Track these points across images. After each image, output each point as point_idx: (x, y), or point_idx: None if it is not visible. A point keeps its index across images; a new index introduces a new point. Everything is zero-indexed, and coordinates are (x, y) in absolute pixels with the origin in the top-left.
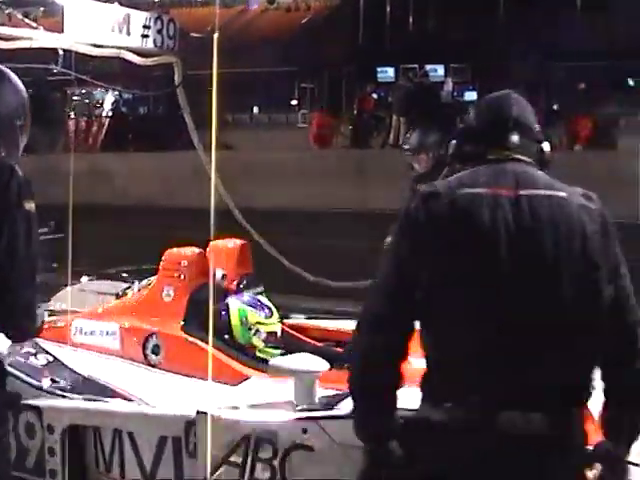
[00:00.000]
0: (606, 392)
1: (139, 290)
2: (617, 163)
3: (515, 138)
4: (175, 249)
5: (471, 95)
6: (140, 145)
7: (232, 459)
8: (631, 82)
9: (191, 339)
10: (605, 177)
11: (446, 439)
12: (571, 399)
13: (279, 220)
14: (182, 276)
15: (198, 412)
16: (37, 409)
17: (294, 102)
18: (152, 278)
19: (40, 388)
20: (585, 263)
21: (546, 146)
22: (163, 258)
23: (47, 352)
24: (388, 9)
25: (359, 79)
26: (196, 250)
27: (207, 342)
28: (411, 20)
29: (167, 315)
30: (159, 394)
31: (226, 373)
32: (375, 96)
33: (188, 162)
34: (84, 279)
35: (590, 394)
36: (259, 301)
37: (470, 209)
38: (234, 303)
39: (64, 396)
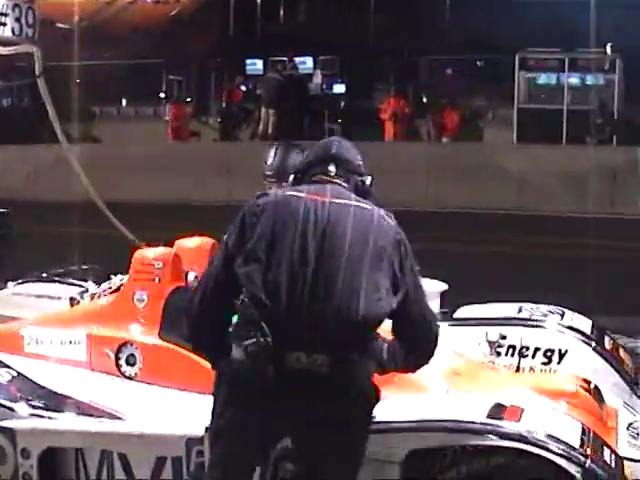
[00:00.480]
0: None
1: (99, 295)
2: (483, 155)
3: (332, 168)
4: (145, 249)
5: (340, 88)
6: (4, 137)
7: None
8: (479, 63)
9: (174, 347)
10: (472, 168)
11: (243, 372)
12: (352, 348)
13: (147, 213)
14: (156, 279)
15: (208, 429)
16: (9, 431)
17: (162, 95)
18: (113, 280)
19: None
20: (372, 254)
21: (367, 179)
22: (133, 259)
23: (7, 366)
24: (259, 1)
25: (228, 71)
26: (168, 250)
27: (189, 350)
28: (281, 12)
29: (141, 322)
30: (147, 410)
31: None
32: (244, 88)
33: (53, 155)
34: (10, 284)
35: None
36: None
37: (289, 204)
38: None
39: (40, 416)
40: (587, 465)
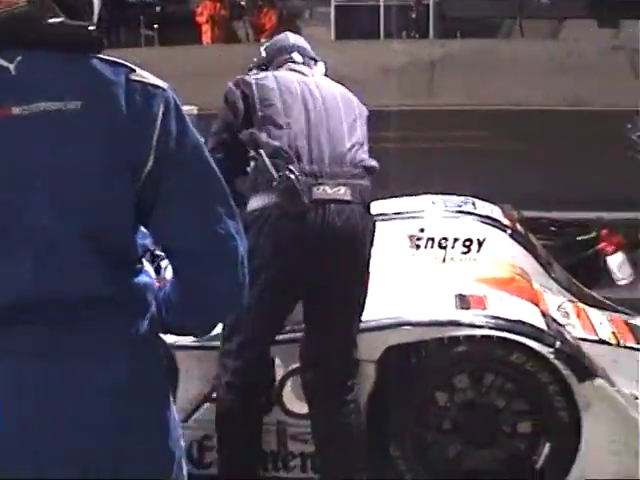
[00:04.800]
0: None
1: None
2: None
3: (297, 56)
4: None
5: None
6: None
7: None
8: None
9: None
10: None
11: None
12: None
13: None
14: None
15: None
16: None
17: None
18: None
19: None
20: (360, 125)
21: (323, 65)
22: None
23: None
24: None
25: None
26: None
27: None
28: None
29: None
30: None
31: None
32: None
33: None
34: None
35: None
36: None
37: (287, 78)
38: None
39: None
40: (557, 345)
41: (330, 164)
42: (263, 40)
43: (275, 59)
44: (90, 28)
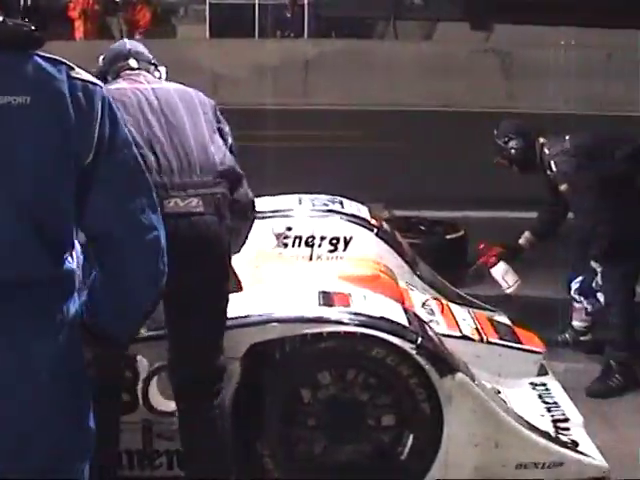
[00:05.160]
0: None
1: None
2: (177, 51)
3: (133, 62)
4: None
5: None
6: None
7: None
8: None
9: None
10: (166, 64)
11: None
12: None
13: None
14: None
15: None
16: None
17: None
18: None
19: None
20: (206, 120)
21: (163, 70)
22: None
23: None
24: None
25: None
26: None
27: None
28: None
29: None
30: None
31: None
32: None
33: None
34: None
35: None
36: None
37: (119, 95)
38: None
39: None
40: (419, 341)
41: (180, 175)
42: (137, 37)
43: (112, 67)
44: (32, 27)
